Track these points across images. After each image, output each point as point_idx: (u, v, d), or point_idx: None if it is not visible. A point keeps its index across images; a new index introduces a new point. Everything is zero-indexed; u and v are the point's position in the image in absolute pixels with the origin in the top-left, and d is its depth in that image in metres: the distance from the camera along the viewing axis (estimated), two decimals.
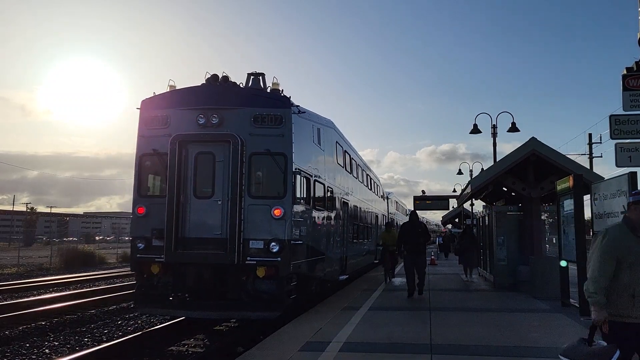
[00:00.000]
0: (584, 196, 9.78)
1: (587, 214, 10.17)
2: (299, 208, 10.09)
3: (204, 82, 10.27)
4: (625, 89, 7.50)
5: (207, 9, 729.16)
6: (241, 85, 10.44)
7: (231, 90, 10.12)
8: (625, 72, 7.59)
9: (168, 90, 10.29)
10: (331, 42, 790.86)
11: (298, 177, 10.03)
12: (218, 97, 9.95)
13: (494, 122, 22.36)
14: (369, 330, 8.34)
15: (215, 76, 10.20)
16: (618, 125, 7.57)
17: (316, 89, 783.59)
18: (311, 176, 11.05)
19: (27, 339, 9.92)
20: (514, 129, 20.95)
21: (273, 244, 9.28)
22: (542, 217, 14.70)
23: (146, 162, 10.15)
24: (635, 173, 7.23)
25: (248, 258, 9.29)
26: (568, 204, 10.28)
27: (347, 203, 15.76)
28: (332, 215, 13.45)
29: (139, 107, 10.26)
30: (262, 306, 9.31)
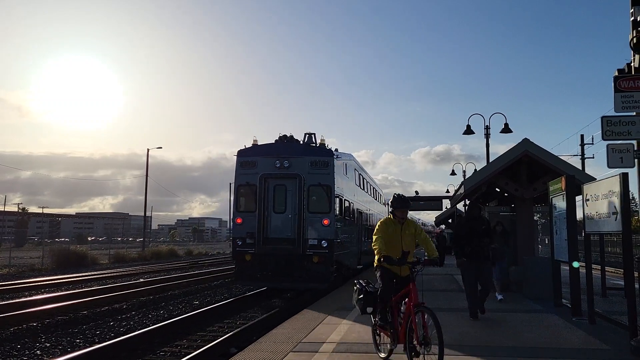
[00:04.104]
0: (576, 197, 9.83)
1: (579, 215, 10.22)
2: (337, 219, 15.28)
3: (277, 139, 15.83)
4: (617, 90, 7.54)
5: (204, 10, 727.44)
6: (300, 141, 15.91)
7: (296, 145, 15.60)
8: (616, 73, 7.64)
9: (252, 144, 15.61)
10: (328, 43, 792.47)
11: (337, 199, 15.30)
12: (288, 150, 15.19)
13: (487, 123, 22.42)
14: (362, 330, 8.34)
15: (285, 136, 15.88)
16: (610, 127, 7.61)
17: (312, 89, 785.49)
18: (343, 197, 16.44)
19: (19, 340, 9.85)
20: (506, 130, 21.05)
21: (323, 241, 14.48)
22: (535, 218, 14.76)
23: (241, 190, 15.26)
24: (626, 174, 7.27)
25: (307, 250, 14.41)
26: (560, 205, 10.34)
27: (361, 212, 21.12)
28: (354, 222, 19.03)
29: (236, 154, 15.49)
30: (316, 280, 14.45)
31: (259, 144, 15.66)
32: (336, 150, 16.27)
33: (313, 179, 14.71)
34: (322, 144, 15.73)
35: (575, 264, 9.47)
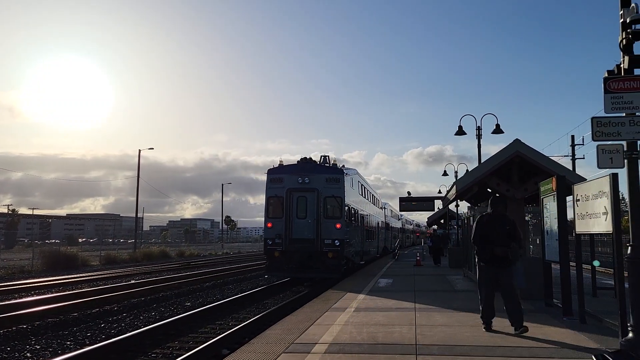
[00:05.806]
0: (567, 197, 9.89)
1: (570, 215, 10.29)
2: (347, 223, 19.20)
3: (299, 160, 19.94)
4: (606, 91, 7.56)
5: (196, 10, 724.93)
6: (317, 162, 20.02)
7: (314, 165, 19.64)
8: (606, 75, 7.68)
9: (279, 164, 19.79)
10: (321, 44, 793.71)
11: (346, 207, 19.33)
12: (308, 169, 19.29)
13: (478, 124, 22.46)
14: (354, 331, 8.34)
15: (305, 158, 19.95)
16: (600, 128, 7.63)
17: (305, 91, 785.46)
18: (350, 205, 20.44)
19: (8, 342, 9.76)
20: (498, 130, 21.14)
21: (336, 241, 18.38)
22: (526, 218, 14.83)
23: (271, 201, 19.16)
24: (616, 174, 7.32)
25: (324, 248, 18.29)
26: (551, 205, 10.40)
27: (363, 216, 25.25)
28: (358, 225, 22.96)
29: (266, 172, 19.55)
30: (330, 271, 18.35)
31: (284, 164, 19.77)
32: (343, 166, 20.84)
33: (328, 192, 18.76)
34: (335, 164, 20.25)
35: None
